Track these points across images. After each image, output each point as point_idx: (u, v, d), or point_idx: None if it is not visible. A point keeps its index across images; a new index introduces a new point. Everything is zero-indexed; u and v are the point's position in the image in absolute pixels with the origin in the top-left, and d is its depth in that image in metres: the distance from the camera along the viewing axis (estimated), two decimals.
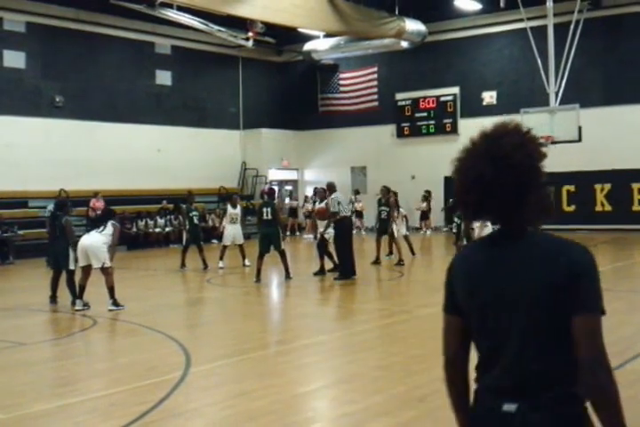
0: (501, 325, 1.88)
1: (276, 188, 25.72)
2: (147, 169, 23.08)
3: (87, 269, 9.63)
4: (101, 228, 9.55)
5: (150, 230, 21.40)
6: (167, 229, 21.69)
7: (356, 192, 23.92)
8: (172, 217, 21.71)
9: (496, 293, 1.88)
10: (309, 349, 7.20)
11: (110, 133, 22.51)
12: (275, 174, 27.80)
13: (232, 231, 14.61)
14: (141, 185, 22.81)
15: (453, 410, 2.06)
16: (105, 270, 9.49)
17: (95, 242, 9.46)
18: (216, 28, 20.53)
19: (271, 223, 12.40)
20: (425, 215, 24.27)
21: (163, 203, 22.45)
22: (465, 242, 10.77)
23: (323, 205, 13.30)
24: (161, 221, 21.75)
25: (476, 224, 11.16)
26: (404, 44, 23.38)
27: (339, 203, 12.45)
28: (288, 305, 10.87)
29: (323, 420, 5.02)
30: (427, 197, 24.29)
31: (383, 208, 14.75)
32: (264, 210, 12.44)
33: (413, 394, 5.32)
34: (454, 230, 11.56)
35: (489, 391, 1.91)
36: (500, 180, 1.84)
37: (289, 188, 28.43)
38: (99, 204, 19.94)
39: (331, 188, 12.87)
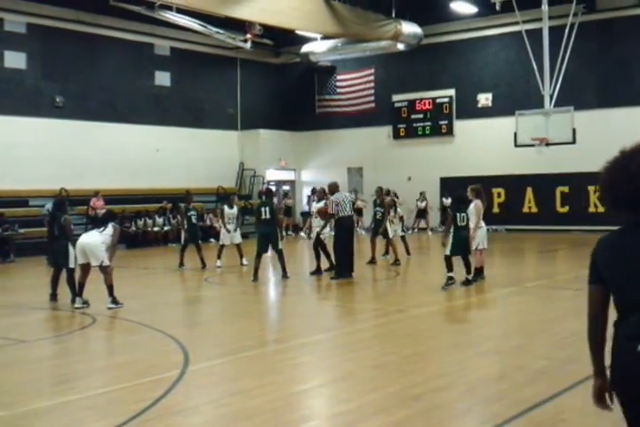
0: (637, 289, 2.53)
1: (273, 188, 25.79)
2: (146, 169, 23.20)
3: (86, 268, 9.73)
4: (102, 228, 9.66)
5: (149, 229, 21.52)
6: (166, 229, 21.82)
7: (354, 191, 24.02)
8: (171, 216, 21.85)
9: (633, 264, 2.54)
10: (306, 347, 7.27)
11: (110, 133, 22.62)
12: (272, 175, 27.91)
13: (230, 232, 14.76)
14: (140, 184, 22.93)
15: (591, 353, 2.81)
16: (103, 269, 9.59)
17: (94, 241, 9.56)
18: (214, 29, 20.60)
19: (270, 223, 12.47)
20: (421, 214, 24.43)
21: (163, 202, 22.56)
22: (450, 240, 10.95)
23: (321, 204, 13.42)
24: (159, 221, 21.87)
25: (471, 225, 11.30)
26: (401, 47, 23.48)
27: (337, 204, 12.57)
28: (285, 304, 10.95)
29: (318, 418, 5.04)
30: (423, 196, 24.46)
31: (378, 209, 14.89)
32: (262, 209, 12.51)
33: (408, 393, 5.36)
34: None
35: (627, 338, 2.55)
36: (629, 188, 2.55)
37: (286, 188, 28.55)
38: (99, 203, 20.09)
39: (332, 188, 12.97)
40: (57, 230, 10.03)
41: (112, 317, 9.21)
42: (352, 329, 8.37)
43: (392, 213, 15.24)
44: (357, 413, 4.96)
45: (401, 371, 6.13)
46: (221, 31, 20.89)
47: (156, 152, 23.96)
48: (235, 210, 14.92)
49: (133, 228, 21.08)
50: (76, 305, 9.66)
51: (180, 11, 18.91)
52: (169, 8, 18.72)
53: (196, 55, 25.58)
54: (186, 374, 6.02)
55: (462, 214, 10.98)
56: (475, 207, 11.27)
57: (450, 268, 10.85)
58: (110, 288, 9.64)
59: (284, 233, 13.15)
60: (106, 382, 6.00)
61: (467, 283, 11.04)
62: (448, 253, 10.87)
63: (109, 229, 9.62)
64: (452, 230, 10.98)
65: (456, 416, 5.03)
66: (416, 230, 24.07)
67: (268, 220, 12.43)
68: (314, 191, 24.80)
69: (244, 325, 8.71)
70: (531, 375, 5.83)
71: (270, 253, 13.07)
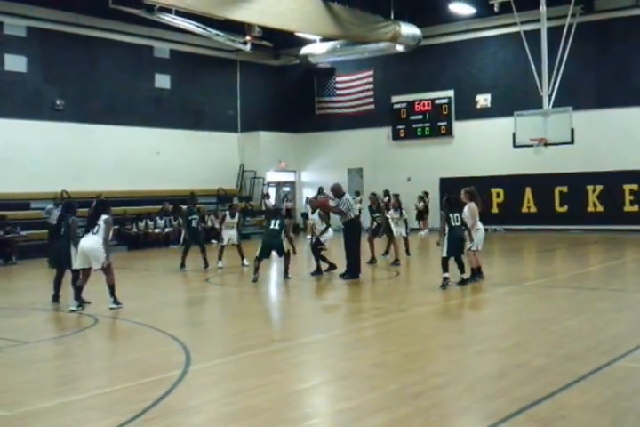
0: None
1: (275, 193, 26.27)
2: (146, 171, 23.27)
3: (86, 272, 9.77)
4: (95, 227, 9.64)
5: (150, 231, 21.56)
6: (167, 230, 21.86)
7: (357, 193, 24.08)
8: (172, 218, 21.90)
9: None
10: (307, 347, 7.31)
11: (110, 136, 22.68)
12: (272, 176, 27.98)
13: (228, 232, 14.93)
14: (141, 187, 23.01)
15: None
16: (106, 270, 9.63)
17: (94, 243, 9.57)
18: (214, 32, 20.64)
19: (277, 235, 12.47)
20: (421, 215, 24.54)
21: (165, 204, 22.61)
22: (446, 241, 10.96)
23: (316, 216, 13.56)
24: (161, 222, 21.92)
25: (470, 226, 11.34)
26: (400, 48, 23.51)
27: (351, 205, 12.75)
28: (286, 304, 10.99)
29: (320, 416, 5.07)
30: (422, 197, 24.55)
31: (377, 215, 14.99)
32: (272, 221, 12.52)
33: (408, 391, 5.39)
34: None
35: None
36: None
37: (286, 189, 28.61)
38: None
39: (338, 190, 13.01)
40: (63, 230, 10.08)
41: (114, 317, 9.25)
42: (352, 328, 8.43)
43: (397, 215, 15.37)
44: (358, 411, 5.00)
45: (401, 369, 6.18)
46: (221, 33, 20.94)
47: (157, 154, 24.04)
48: (236, 218, 15.06)
49: (134, 229, 21.13)
50: (71, 308, 9.62)
51: (180, 13, 18.96)
52: (168, 10, 18.77)
53: (196, 57, 25.64)
54: (187, 374, 6.06)
55: (455, 215, 11.01)
56: (469, 210, 11.28)
57: (445, 269, 10.91)
58: (112, 288, 9.67)
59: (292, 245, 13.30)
60: (108, 383, 6.03)
61: (462, 282, 11.09)
62: (445, 254, 10.92)
63: (101, 226, 9.64)
64: (446, 231, 11.00)
65: (456, 414, 5.06)
66: (427, 231, 24.08)
67: (277, 231, 12.45)
68: (321, 191, 24.85)
69: (245, 324, 8.75)
70: (530, 373, 5.87)
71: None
